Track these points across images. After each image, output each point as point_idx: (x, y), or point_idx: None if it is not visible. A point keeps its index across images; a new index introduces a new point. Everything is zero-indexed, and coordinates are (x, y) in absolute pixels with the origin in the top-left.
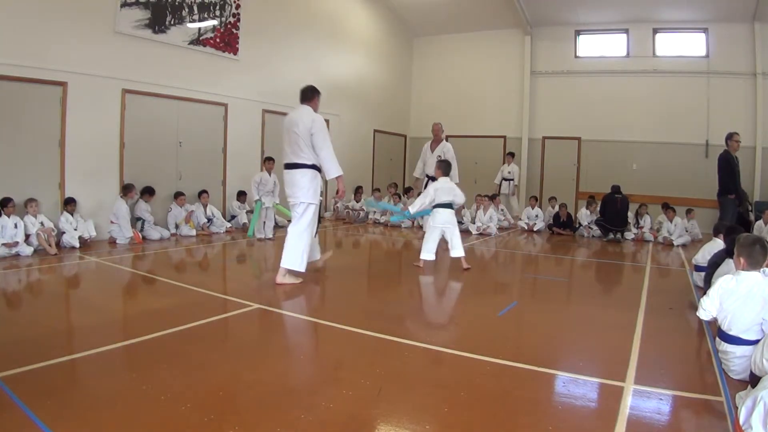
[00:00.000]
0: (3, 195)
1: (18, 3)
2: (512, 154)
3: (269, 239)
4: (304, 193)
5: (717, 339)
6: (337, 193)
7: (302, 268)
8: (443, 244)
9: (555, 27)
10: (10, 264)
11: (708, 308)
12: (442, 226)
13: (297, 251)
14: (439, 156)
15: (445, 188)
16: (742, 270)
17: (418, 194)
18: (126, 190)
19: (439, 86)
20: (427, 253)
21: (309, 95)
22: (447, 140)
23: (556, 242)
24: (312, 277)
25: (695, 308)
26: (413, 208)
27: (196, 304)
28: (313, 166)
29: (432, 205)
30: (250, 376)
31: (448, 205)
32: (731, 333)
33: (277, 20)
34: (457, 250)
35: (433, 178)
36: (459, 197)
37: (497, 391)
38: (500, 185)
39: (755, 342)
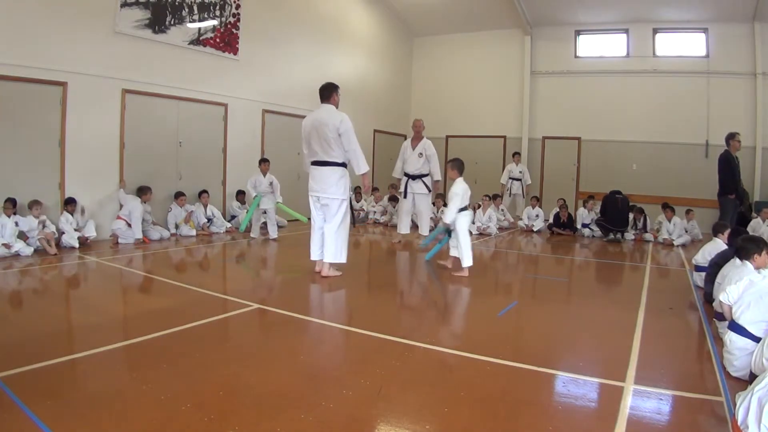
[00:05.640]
0: (3, 195)
1: (18, 3)
2: (519, 154)
3: (273, 239)
4: (335, 189)
5: (725, 329)
6: (364, 188)
7: (344, 260)
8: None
9: (555, 27)
10: (10, 264)
11: (732, 294)
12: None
13: (338, 245)
14: (420, 153)
15: (467, 189)
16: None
17: (399, 193)
18: (141, 192)
19: (439, 86)
20: (470, 258)
21: (327, 93)
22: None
23: (556, 242)
24: (311, 278)
25: (695, 308)
26: (449, 217)
27: (196, 304)
28: (343, 164)
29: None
30: (250, 375)
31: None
32: (739, 322)
33: (277, 20)
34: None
35: (412, 177)
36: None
37: (497, 391)
38: (510, 185)
39: (758, 339)
